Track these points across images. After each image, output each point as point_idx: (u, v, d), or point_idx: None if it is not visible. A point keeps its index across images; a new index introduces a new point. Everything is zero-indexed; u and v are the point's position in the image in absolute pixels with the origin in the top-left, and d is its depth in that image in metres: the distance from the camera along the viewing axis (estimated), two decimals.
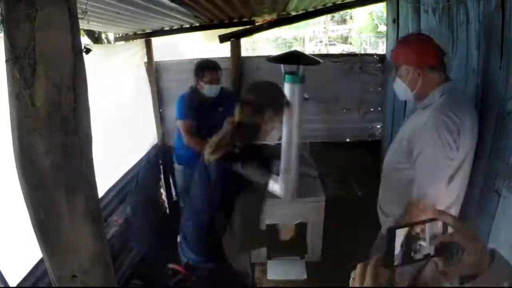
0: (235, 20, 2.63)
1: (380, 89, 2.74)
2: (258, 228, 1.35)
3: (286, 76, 1.83)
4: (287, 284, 2.23)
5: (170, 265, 1.41)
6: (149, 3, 1.64)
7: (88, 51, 0.85)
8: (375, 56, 2.75)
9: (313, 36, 17.16)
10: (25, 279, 1.29)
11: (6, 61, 0.72)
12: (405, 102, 2.25)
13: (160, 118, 2.86)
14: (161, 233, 2.34)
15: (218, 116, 1.95)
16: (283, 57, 1.95)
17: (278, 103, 1.28)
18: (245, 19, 2.63)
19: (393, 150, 1.37)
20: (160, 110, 2.85)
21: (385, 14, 3.22)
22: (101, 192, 1.70)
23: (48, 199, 0.80)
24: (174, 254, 1.49)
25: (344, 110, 2.83)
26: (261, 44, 13.95)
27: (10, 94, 0.75)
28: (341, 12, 15.40)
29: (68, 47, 0.76)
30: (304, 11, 2.63)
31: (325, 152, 2.76)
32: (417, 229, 0.53)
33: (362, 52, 12.35)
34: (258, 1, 2.03)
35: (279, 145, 2.06)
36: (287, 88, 1.82)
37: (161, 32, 2.68)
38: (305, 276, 1.98)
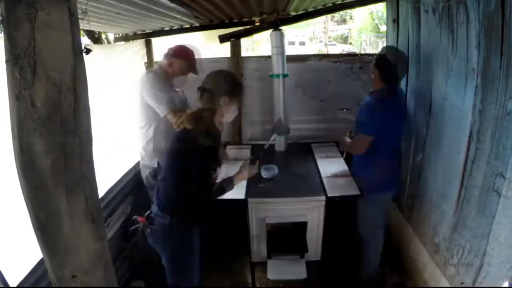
0: (235, 20, 2.63)
1: None
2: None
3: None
4: (287, 284, 2.23)
5: (136, 216, 1.60)
6: (149, 3, 1.64)
7: (88, 51, 0.84)
8: (375, 56, 2.75)
9: (313, 36, 17.18)
10: (25, 279, 1.29)
11: (6, 61, 0.72)
12: (405, 101, 2.26)
13: None
14: None
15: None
16: None
17: (232, 89, 1.49)
18: (245, 19, 2.63)
19: None
20: None
21: (385, 14, 3.22)
22: (101, 192, 1.71)
23: (48, 199, 0.79)
24: None
25: (344, 110, 2.83)
26: (261, 44, 13.95)
27: (10, 95, 0.74)
28: (341, 12, 15.42)
29: (68, 47, 0.76)
30: (304, 11, 2.63)
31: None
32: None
33: (362, 52, 12.34)
34: (258, 1, 2.03)
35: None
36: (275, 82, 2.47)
37: (161, 32, 2.68)
38: (305, 276, 1.98)
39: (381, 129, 1.83)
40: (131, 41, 2.71)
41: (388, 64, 1.82)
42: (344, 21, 18.84)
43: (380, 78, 1.86)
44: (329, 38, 15.54)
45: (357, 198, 1.96)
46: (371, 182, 1.89)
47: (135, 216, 1.60)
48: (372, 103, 1.87)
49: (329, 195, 1.93)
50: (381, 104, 1.81)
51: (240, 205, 1.98)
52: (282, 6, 2.28)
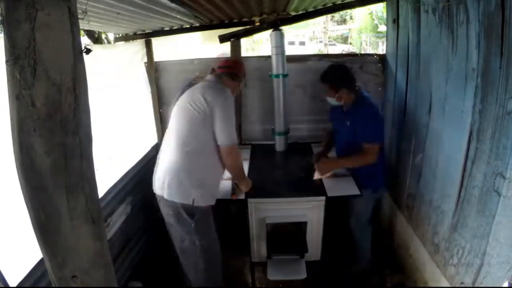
0: (235, 20, 2.63)
1: (380, 89, 2.74)
2: None
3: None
4: (287, 284, 2.23)
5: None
6: (149, 3, 1.64)
7: (88, 51, 0.84)
8: (375, 56, 2.75)
9: (313, 36, 17.20)
10: (25, 279, 1.29)
11: (6, 61, 0.72)
12: (406, 101, 2.26)
13: (160, 118, 2.86)
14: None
15: None
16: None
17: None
18: (245, 19, 2.63)
19: None
20: (160, 110, 2.85)
21: (385, 14, 3.22)
22: (101, 192, 1.70)
23: (48, 199, 0.79)
24: None
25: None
26: (261, 44, 13.95)
27: (10, 95, 0.74)
28: (341, 12, 15.43)
29: (68, 47, 0.76)
30: (304, 11, 2.63)
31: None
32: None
33: (362, 52, 12.35)
34: (258, 1, 2.03)
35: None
36: (275, 82, 2.50)
37: (161, 32, 2.67)
38: (305, 276, 1.98)
39: (382, 133, 2.05)
40: (131, 41, 2.70)
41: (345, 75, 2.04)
42: (344, 21, 18.88)
43: (347, 91, 2.03)
44: (329, 38, 15.54)
45: (357, 197, 1.98)
46: (376, 182, 2.10)
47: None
48: (367, 111, 1.99)
49: (329, 195, 1.94)
50: (376, 111, 2.01)
51: (240, 205, 1.98)
52: (282, 6, 2.28)
